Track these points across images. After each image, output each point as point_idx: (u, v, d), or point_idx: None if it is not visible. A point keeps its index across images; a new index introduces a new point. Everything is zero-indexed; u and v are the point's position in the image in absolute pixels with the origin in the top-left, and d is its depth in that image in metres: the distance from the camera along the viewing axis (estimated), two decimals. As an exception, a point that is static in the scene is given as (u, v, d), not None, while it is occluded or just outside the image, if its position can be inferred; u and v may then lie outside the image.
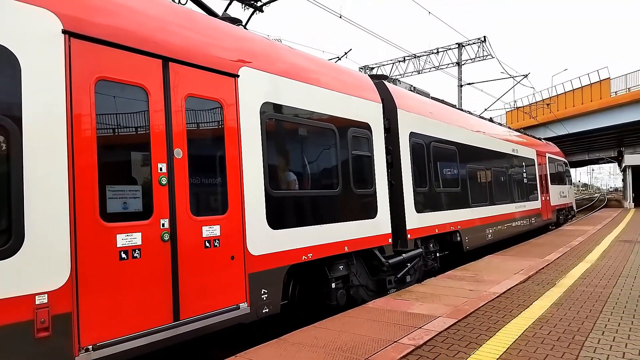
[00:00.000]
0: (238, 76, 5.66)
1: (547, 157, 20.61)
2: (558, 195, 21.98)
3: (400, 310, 6.55)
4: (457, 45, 29.53)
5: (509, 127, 19.00)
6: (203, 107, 5.20)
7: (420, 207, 9.49)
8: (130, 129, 4.58)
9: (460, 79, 29.37)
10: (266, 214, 5.79)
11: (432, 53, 30.26)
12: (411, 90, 11.02)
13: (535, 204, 18.13)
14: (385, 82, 9.55)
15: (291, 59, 6.81)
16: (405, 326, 5.77)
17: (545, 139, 26.61)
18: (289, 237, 6.11)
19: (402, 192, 9.00)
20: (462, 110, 14.10)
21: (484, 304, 6.80)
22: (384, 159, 8.38)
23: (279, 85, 6.28)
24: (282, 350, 5.03)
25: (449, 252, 11.54)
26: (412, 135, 9.59)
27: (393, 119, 9.13)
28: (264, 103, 5.97)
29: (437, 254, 10.44)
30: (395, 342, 5.17)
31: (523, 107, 43.40)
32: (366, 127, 7.98)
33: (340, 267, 7.30)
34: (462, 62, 29.39)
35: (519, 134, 18.68)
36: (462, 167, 11.83)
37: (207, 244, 5.04)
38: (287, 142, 6.50)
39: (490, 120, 16.66)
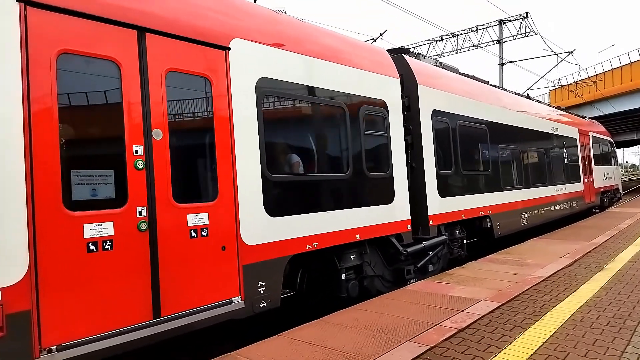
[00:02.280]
0: (229, 49, 5.14)
1: (590, 137, 19.44)
2: (602, 176, 20.72)
3: (441, 293, 6.47)
4: (497, 22, 28.52)
5: (550, 105, 17.90)
6: (187, 83, 4.73)
7: (444, 191, 8.86)
8: (100, 107, 4.21)
9: (501, 57, 28.42)
10: (263, 200, 5.35)
11: (472, 31, 29.37)
12: (437, 66, 10.29)
13: (577, 186, 17.09)
14: (405, 56, 8.85)
15: (293, 30, 6.25)
16: (446, 309, 5.71)
17: (591, 118, 25.54)
18: (290, 225, 5.66)
19: (424, 176, 8.40)
20: (494, 86, 13.13)
21: (529, 288, 6.64)
22: (402, 139, 7.80)
23: (278, 59, 5.74)
24: (324, 330, 5.07)
25: (479, 238, 11.12)
26: (435, 113, 8.91)
27: (413, 96, 8.49)
28: (260, 79, 5.45)
29: (464, 241, 9.82)
30: (437, 324, 5.12)
31: (568, 85, 41.69)
32: (381, 105, 7.38)
33: (352, 256, 6.85)
34: (503, 40, 28.40)
35: (560, 112, 17.63)
36: (493, 147, 11.07)
37: (193, 234, 4.62)
38: (289, 122, 6.01)
39: (528, 97, 15.63)
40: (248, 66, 5.35)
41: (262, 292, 5.24)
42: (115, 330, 4.02)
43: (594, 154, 19.57)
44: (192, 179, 4.88)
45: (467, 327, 5.06)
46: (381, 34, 17.63)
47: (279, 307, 5.60)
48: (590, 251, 9.49)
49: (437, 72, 9.76)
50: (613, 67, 40.37)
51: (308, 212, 5.93)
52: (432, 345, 4.49)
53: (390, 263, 7.69)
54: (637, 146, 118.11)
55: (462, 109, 9.93)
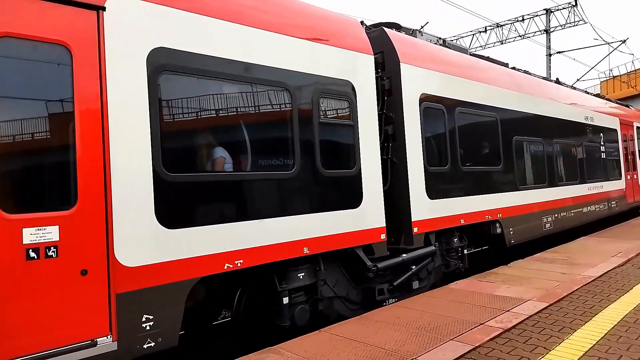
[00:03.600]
0: (103, 9, 4.02)
1: (635, 127, 17.21)
2: None
3: (485, 293, 6.34)
4: (544, 11, 27.46)
5: (587, 92, 15.90)
6: (33, 52, 3.68)
7: (435, 192, 7.38)
8: None
9: (548, 48, 27.40)
10: (156, 207, 4.15)
11: (517, 21, 28.39)
12: (441, 45, 8.88)
13: (618, 184, 14.94)
14: (387, 30, 7.34)
15: None
16: (491, 308, 5.58)
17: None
18: (199, 238, 4.45)
19: (407, 173, 6.96)
20: (514, 69, 11.37)
21: (578, 288, 6.41)
22: (375, 129, 6.45)
23: (183, 24, 4.56)
24: (364, 327, 5.07)
25: (490, 247, 9.87)
26: (426, 98, 7.42)
27: (395, 77, 7.05)
28: (154, 50, 4.29)
29: (465, 251, 8.30)
30: (482, 324, 5.02)
31: (620, 75, 39.73)
32: (346, 87, 6.10)
33: (300, 274, 5.61)
34: (551, 29, 27.35)
35: (598, 100, 15.60)
36: (506, 139, 9.34)
37: (33, 254, 3.51)
38: (202, 105, 4.78)
39: (558, 82, 13.70)
40: (133, 32, 4.20)
41: (147, 328, 4.04)
42: None
43: (639, 147, 17.52)
44: (33, 181, 3.72)
45: (514, 327, 4.93)
46: (422, 27, 17.32)
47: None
48: (645, 250, 9.05)
49: (430, 49, 8.23)
50: (671, 56, 38.15)
51: (229, 221, 4.71)
52: (476, 345, 4.42)
53: (359, 281, 6.47)
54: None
55: (465, 93, 8.38)
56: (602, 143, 14.16)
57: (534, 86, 11.17)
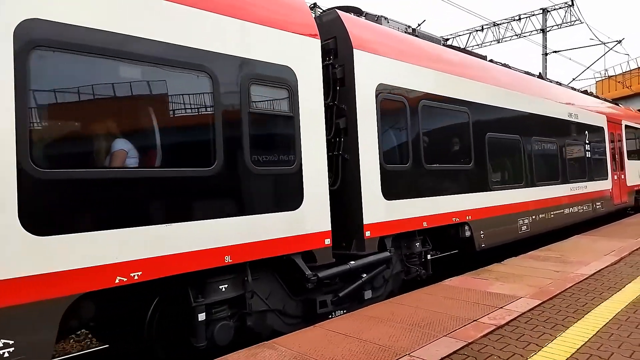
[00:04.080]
0: None
1: (623, 126, 16.60)
2: (638, 172, 17.64)
3: (478, 290, 6.37)
4: (541, 11, 27.53)
5: (573, 88, 15.19)
6: None
7: (394, 192, 6.75)
8: None
9: (545, 47, 27.49)
10: (20, 210, 3.46)
11: (514, 20, 28.45)
12: (410, 33, 8.23)
13: (603, 184, 14.33)
14: (341, 12, 6.72)
15: None
16: (485, 305, 5.62)
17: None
18: (78, 247, 3.73)
19: (359, 172, 6.33)
20: (492, 62, 10.66)
21: (571, 286, 6.45)
22: (321, 121, 5.80)
23: None
24: (359, 322, 5.09)
25: (460, 251, 9.18)
26: (384, 89, 6.80)
27: (348, 64, 6.44)
28: (24, 21, 3.58)
29: (428, 256, 7.59)
30: (475, 320, 5.05)
31: (615, 75, 39.92)
32: (285, 73, 5.43)
33: (222, 286, 4.89)
34: (547, 29, 27.43)
35: (585, 97, 15.03)
36: (478, 136, 8.69)
37: None
38: (95, 89, 4.03)
39: (540, 77, 13.00)
40: None
41: (6, 355, 3.43)
42: None
43: (628, 147, 16.86)
44: None
45: (507, 324, 4.97)
46: (419, 25, 17.33)
47: None
48: (637, 249, 9.12)
49: (391, 36, 7.52)
50: (666, 56, 38.42)
51: (121, 227, 3.99)
52: (469, 341, 4.45)
53: (297, 292, 5.79)
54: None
55: (431, 85, 7.71)
56: (587, 142, 13.49)
57: (513, 80, 10.54)
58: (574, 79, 23.17)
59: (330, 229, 5.81)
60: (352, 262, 6.08)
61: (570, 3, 26.35)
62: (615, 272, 7.31)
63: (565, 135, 12.27)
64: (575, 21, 26.32)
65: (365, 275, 6.31)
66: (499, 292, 6.22)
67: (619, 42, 24.30)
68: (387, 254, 6.59)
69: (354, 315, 5.39)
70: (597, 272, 7.29)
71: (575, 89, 15.31)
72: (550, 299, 5.88)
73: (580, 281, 6.73)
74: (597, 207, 13.69)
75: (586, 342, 4.39)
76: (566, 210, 11.77)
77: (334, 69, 6.49)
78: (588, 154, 13.46)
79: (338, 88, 6.50)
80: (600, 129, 14.66)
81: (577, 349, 4.23)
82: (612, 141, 15.41)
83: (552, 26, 27.42)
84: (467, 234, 8.22)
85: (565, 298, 5.92)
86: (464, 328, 4.82)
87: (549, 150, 11.37)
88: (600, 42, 25.62)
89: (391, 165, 6.83)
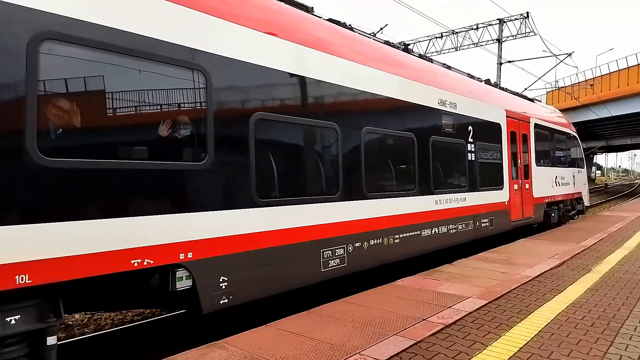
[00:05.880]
0: None
1: (532, 125, 13.60)
2: (551, 182, 14.76)
3: (429, 290, 6.52)
4: (498, 21, 28.53)
5: (460, 71, 11.46)
6: None
7: None
8: None
9: (500, 57, 28.46)
10: None
11: (472, 29, 29.35)
12: None
13: (496, 196, 11.23)
14: None
15: None
16: (434, 305, 5.75)
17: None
18: None
19: None
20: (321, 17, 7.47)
21: (516, 287, 6.70)
22: None
23: None
24: (312, 322, 5.10)
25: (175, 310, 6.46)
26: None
27: None
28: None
29: (50, 341, 3.85)
30: (424, 320, 5.16)
31: (565, 87, 41.82)
32: None
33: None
34: (503, 39, 28.43)
35: (480, 84, 12.06)
36: (229, 115, 5.17)
37: None
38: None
39: (406, 49, 9.56)
40: None
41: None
42: None
43: (537, 149, 13.79)
44: None
45: (454, 323, 5.10)
46: (381, 29, 17.57)
47: None
48: (578, 253, 9.57)
49: None
50: (611, 71, 40.73)
51: None
52: (418, 340, 4.54)
53: None
54: (630, 151, 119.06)
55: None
56: (470, 140, 10.27)
57: (328, 40, 6.91)
58: (525, 89, 24.06)
59: None
60: None
61: (525, 15, 27.41)
62: (557, 274, 7.65)
63: (430, 129, 8.89)
64: (529, 33, 27.42)
65: None
66: (448, 292, 6.38)
67: (569, 55, 25.41)
68: None
69: (308, 315, 5.40)
70: (541, 274, 7.59)
71: (473, 77, 12.04)
72: (496, 299, 6.08)
73: (525, 282, 6.99)
74: (484, 225, 10.65)
75: (528, 342, 4.57)
76: (424, 232, 8.49)
77: None
78: (471, 157, 10.31)
79: None
80: (495, 125, 11.53)
81: (520, 348, 4.39)
82: (513, 142, 12.35)
83: (508, 37, 28.46)
84: (185, 284, 4.68)
85: (510, 299, 6.14)
86: (413, 327, 4.92)
87: (396, 147, 8.09)
88: (552, 54, 26.76)
89: None
